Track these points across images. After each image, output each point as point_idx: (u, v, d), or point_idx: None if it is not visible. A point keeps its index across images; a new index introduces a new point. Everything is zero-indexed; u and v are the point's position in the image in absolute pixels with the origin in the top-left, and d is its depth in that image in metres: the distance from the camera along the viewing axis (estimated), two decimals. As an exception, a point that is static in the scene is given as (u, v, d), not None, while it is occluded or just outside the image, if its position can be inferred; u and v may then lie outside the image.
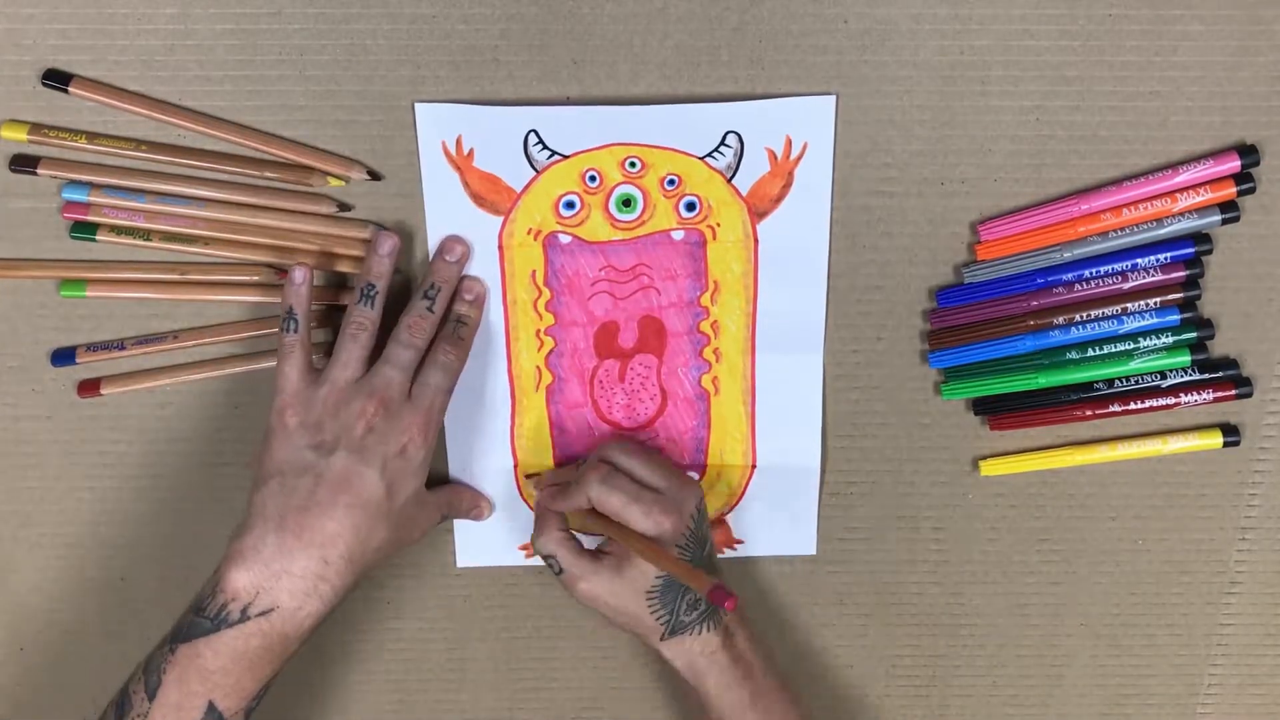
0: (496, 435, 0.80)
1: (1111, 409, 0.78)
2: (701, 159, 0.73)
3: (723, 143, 0.73)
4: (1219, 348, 0.77)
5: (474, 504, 0.80)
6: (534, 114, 0.72)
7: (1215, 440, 0.79)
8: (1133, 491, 0.81)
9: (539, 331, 0.77)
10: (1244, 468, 0.80)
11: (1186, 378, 0.77)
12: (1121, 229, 0.74)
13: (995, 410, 0.79)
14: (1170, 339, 0.76)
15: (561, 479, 0.77)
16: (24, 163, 0.73)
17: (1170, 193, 0.73)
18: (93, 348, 0.77)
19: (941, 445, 0.80)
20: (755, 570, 0.83)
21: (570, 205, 0.74)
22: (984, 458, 0.80)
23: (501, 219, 0.74)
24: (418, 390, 0.72)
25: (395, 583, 0.83)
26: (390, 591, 0.84)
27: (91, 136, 0.73)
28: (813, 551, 0.82)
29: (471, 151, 0.73)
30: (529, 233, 0.75)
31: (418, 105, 0.72)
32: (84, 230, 0.74)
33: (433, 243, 0.75)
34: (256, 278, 0.76)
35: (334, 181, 0.74)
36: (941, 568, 0.83)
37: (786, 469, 0.80)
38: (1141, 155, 0.74)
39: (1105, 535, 0.82)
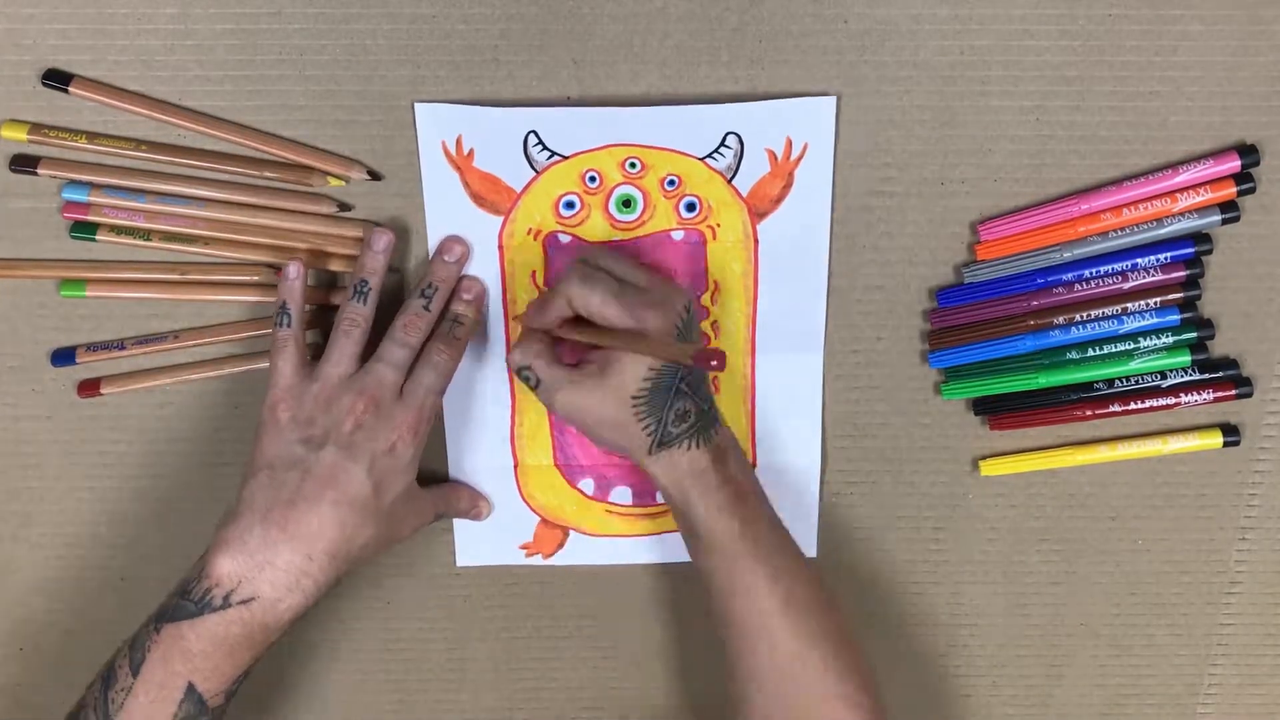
0: (496, 434, 0.80)
1: (1111, 409, 0.78)
2: (701, 160, 0.73)
3: (723, 143, 0.73)
4: (1219, 348, 0.77)
5: (473, 504, 0.80)
6: (534, 114, 0.72)
7: (1215, 440, 0.79)
8: (1133, 491, 0.81)
9: (539, 331, 0.77)
10: (1244, 468, 0.80)
11: (1186, 378, 0.77)
12: (1121, 229, 0.74)
13: (995, 410, 0.79)
14: (1170, 339, 0.76)
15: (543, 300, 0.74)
16: (24, 163, 0.73)
17: (1170, 193, 0.73)
18: (93, 348, 0.77)
19: (941, 445, 0.80)
20: (755, 570, 0.83)
21: (570, 205, 0.74)
22: (984, 458, 0.80)
23: (501, 219, 0.74)
24: (410, 389, 0.72)
25: (395, 583, 0.83)
26: (390, 591, 0.84)
27: (91, 136, 0.73)
28: (813, 553, 0.82)
29: (471, 152, 0.73)
30: (529, 233, 0.75)
31: (418, 105, 0.72)
32: (84, 230, 0.74)
33: (433, 243, 0.75)
34: (256, 278, 0.76)
35: (334, 181, 0.74)
36: (941, 568, 0.83)
37: (786, 469, 0.80)
38: (1141, 155, 0.74)
39: (1105, 535, 0.82)
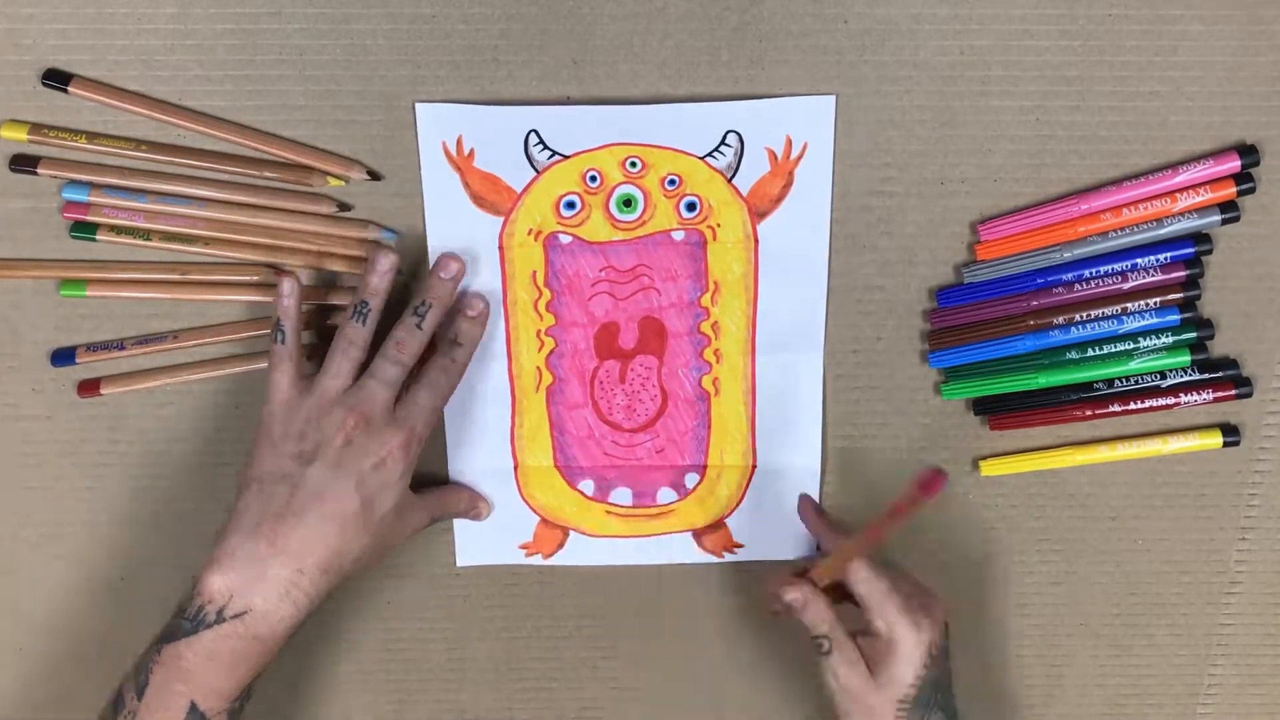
0: (496, 436, 0.80)
1: (1111, 409, 0.78)
2: (702, 159, 0.73)
3: (723, 142, 0.73)
4: (1219, 348, 0.77)
5: (472, 505, 0.80)
6: (534, 114, 0.72)
7: (1215, 440, 0.79)
8: (1133, 491, 0.81)
9: (539, 332, 0.77)
10: (1244, 468, 0.80)
11: (1186, 378, 0.77)
12: (1121, 229, 0.74)
13: (995, 410, 0.79)
14: (1170, 339, 0.76)
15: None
16: (24, 162, 0.73)
17: (1170, 193, 0.73)
18: (93, 348, 0.77)
19: (941, 445, 0.80)
20: (756, 571, 0.83)
21: (571, 205, 0.74)
22: (984, 458, 0.80)
23: (502, 219, 0.74)
24: (403, 408, 0.72)
25: (395, 583, 0.83)
26: (390, 591, 0.84)
27: (91, 136, 0.73)
28: (814, 552, 0.82)
29: (472, 152, 0.73)
30: (529, 233, 0.75)
31: (418, 105, 0.72)
32: (84, 230, 0.74)
33: (433, 243, 0.75)
34: (256, 278, 0.76)
35: (334, 181, 0.74)
36: (941, 568, 0.83)
37: (787, 469, 0.80)
38: (1141, 155, 0.74)
39: (1105, 535, 0.82)
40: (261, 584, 0.68)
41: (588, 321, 0.77)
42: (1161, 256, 0.75)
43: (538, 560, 0.83)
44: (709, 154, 0.73)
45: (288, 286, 0.71)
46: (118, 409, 0.79)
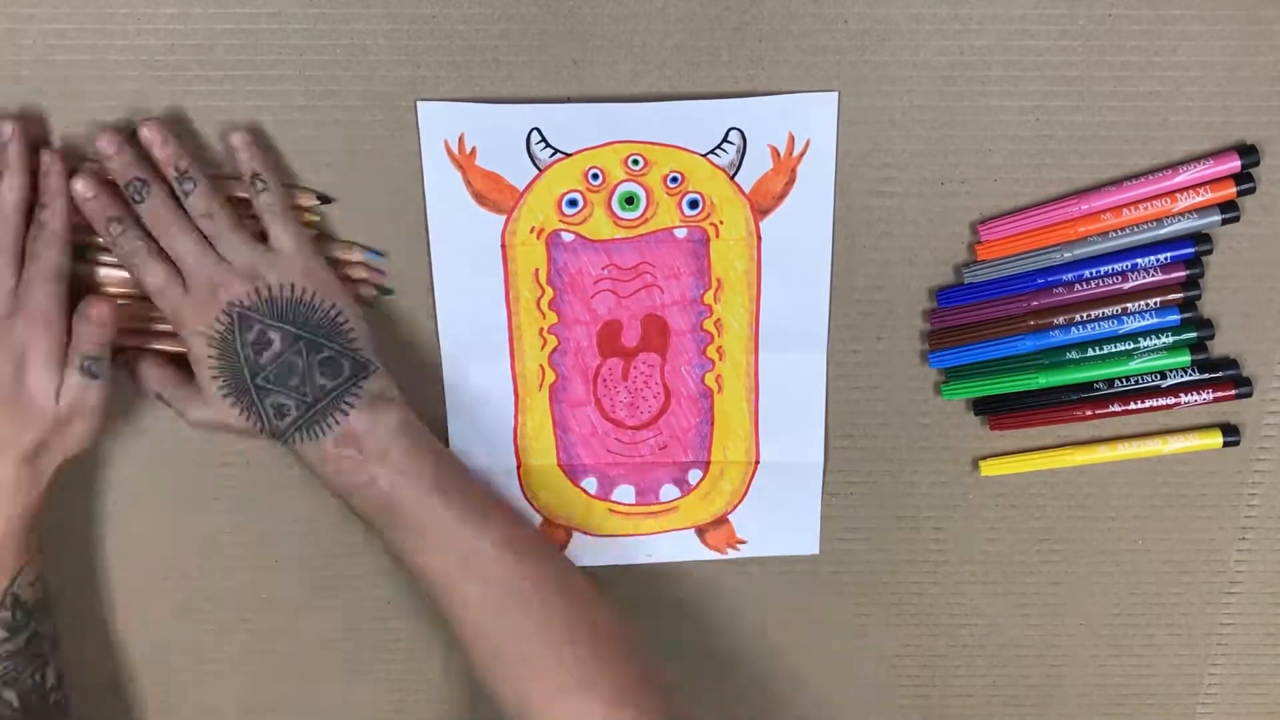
0: (499, 434, 0.80)
1: (1111, 409, 0.78)
2: (704, 156, 0.73)
3: (725, 140, 0.73)
4: (1219, 348, 0.77)
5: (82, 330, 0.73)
6: (536, 112, 0.72)
7: (1215, 440, 0.79)
8: (1133, 491, 0.81)
9: (542, 330, 0.77)
10: (1244, 468, 0.81)
11: (1186, 378, 0.77)
12: (1121, 229, 0.74)
13: (995, 410, 0.79)
14: (1170, 339, 0.76)
15: None
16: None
17: (1170, 193, 0.73)
18: None
19: (941, 445, 0.80)
20: (756, 570, 0.83)
21: (573, 203, 0.74)
22: (984, 458, 0.80)
23: (504, 218, 0.74)
24: (23, 290, 0.70)
25: (395, 583, 0.83)
26: (390, 591, 0.84)
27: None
28: (815, 551, 0.82)
29: (474, 150, 0.73)
30: (532, 231, 0.75)
31: (420, 104, 0.72)
32: None
33: (435, 242, 0.75)
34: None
35: (309, 217, 0.74)
36: (941, 568, 0.83)
37: (790, 465, 0.80)
38: (1141, 155, 0.74)
39: (1105, 535, 0.82)
40: None
41: (590, 319, 0.77)
42: (1161, 256, 0.75)
43: (538, 561, 0.83)
44: (711, 151, 0.73)
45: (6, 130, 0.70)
46: (118, 408, 0.78)
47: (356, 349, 0.72)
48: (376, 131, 0.73)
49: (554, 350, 0.78)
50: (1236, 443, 0.79)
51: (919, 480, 0.81)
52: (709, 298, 0.76)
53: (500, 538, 0.72)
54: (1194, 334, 0.76)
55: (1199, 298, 0.76)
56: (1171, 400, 0.77)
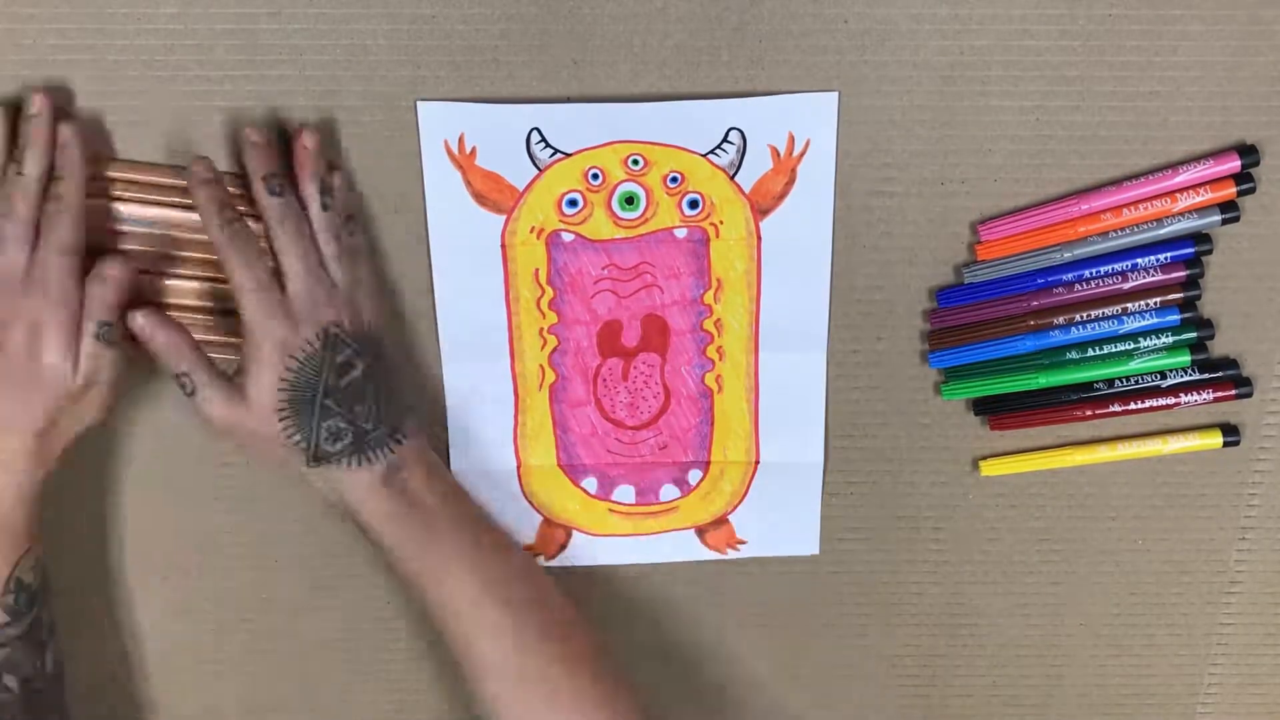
0: (499, 434, 0.80)
1: (1112, 409, 0.78)
2: (704, 156, 0.73)
3: (725, 139, 0.73)
4: (1219, 348, 0.77)
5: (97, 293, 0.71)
6: (536, 112, 0.72)
7: (1215, 440, 0.79)
8: (1133, 491, 0.81)
9: (542, 330, 0.77)
10: (1244, 468, 0.81)
11: (1186, 378, 0.77)
12: (1121, 229, 0.74)
13: (995, 410, 0.79)
14: (1170, 339, 0.76)
15: None
16: None
17: (1170, 193, 0.73)
18: None
19: (941, 445, 0.80)
20: (756, 570, 0.83)
21: (573, 203, 0.74)
22: (984, 458, 0.80)
23: (504, 218, 0.74)
24: (36, 268, 0.69)
25: (395, 583, 0.83)
26: (390, 592, 0.84)
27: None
28: (815, 551, 0.82)
29: (474, 150, 0.73)
30: (532, 231, 0.75)
31: (420, 104, 0.72)
32: None
33: (435, 242, 0.75)
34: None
35: None
36: (941, 568, 0.83)
37: (790, 465, 0.80)
38: (1141, 155, 0.74)
39: (1105, 535, 0.82)
40: None
41: (590, 319, 0.77)
42: (1161, 256, 0.75)
43: (540, 562, 0.82)
44: (711, 151, 0.73)
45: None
46: (117, 409, 0.78)
47: (404, 390, 0.75)
48: (376, 131, 0.73)
49: (554, 350, 0.78)
50: (1236, 443, 0.79)
51: (919, 480, 0.81)
52: (709, 298, 0.76)
53: (520, 563, 0.76)
54: (1194, 334, 0.76)
55: (1199, 298, 0.76)
56: (1171, 400, 0.77)
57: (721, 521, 0.82)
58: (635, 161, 0.73)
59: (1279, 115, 0.73)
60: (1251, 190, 0.73)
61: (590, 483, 0.81)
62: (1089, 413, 0.78)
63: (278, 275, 0.70)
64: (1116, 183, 0.74)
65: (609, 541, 0.82)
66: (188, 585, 0.83)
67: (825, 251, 0.75)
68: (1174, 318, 0.76)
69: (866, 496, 0.82)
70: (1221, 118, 0.73)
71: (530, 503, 0.81)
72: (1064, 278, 0.75)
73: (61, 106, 0.71)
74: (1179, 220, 0.74)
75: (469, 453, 0.80)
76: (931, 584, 0.84)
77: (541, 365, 0.78)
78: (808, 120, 0.72)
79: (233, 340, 0.76)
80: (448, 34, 0.71)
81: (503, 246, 0.75)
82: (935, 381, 0.79)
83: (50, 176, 0.69)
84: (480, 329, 0.77)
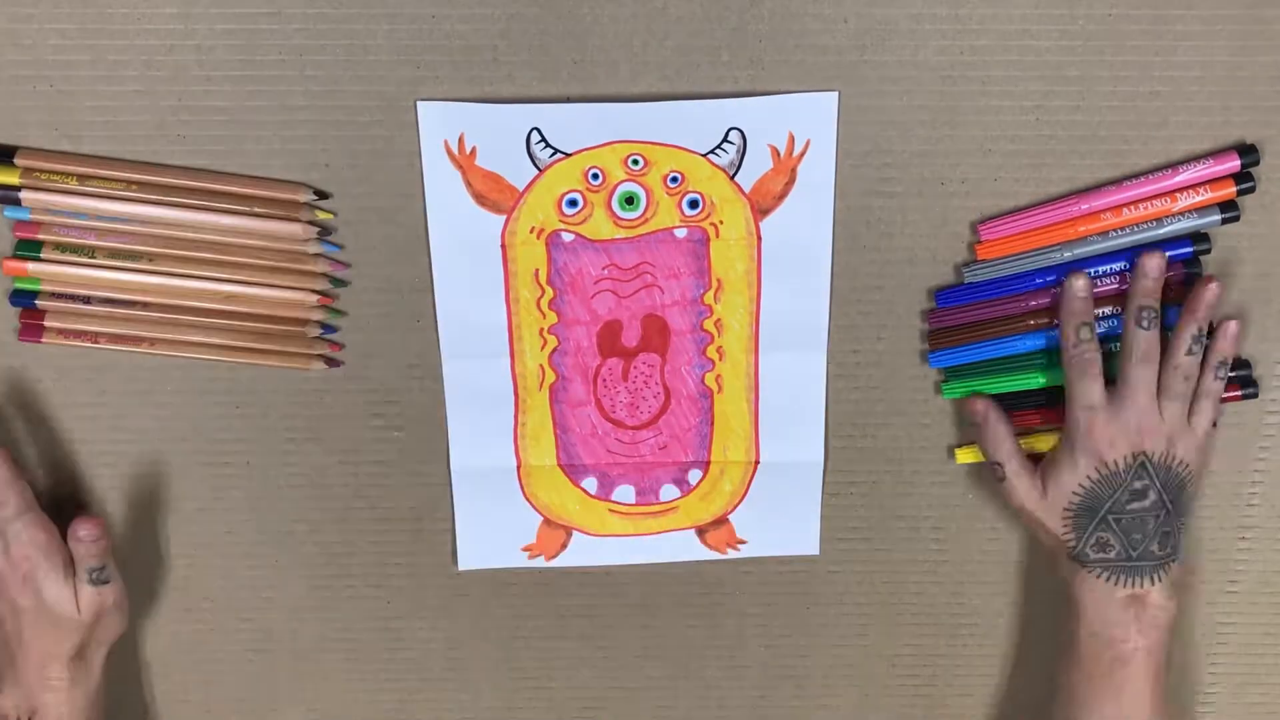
0: (499, 434, 0.80)
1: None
2: (704, 156, 0.73)
3: (725, 139, 0.73)
4: (1218, 347, 0.77)
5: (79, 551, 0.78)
6: (536, 112, 0.72)
7: None
8: (1133, 491, 0.81)
9: (542, 330, 0.77)
10: (1244, 467, 0.80)
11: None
12: (1121, 229, 0.74)
13: (995, 410, 0.79)
14: (1170, 339, 0.76)
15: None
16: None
17: (1170, 192, 0.73)
18: (58, 296, 0.76)
19: (941, 445, 0.80)
20: (756, 570, 0.83)
21: (573, 203, 0.74)
22: (958, 445, 0.80)
23: (504, 218, 0.74)
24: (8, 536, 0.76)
25: (395, 583, 0.83)
26: (390, 591, 0.84)
27: (83, 179, 0.73)
28: (816, 551, 0.82)
29: (474, 150, 0.73)
30: (532, 231, 0.75)
31: (420, 104, 0.72)
32: (29, 248, 0.74)
33: (435, 243, 0.75)
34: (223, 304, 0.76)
35: (323, 214, 0.74)
36: (941, 568, 0.83)
37: (790, 465, 0.80)
38: (1141, 155, 0.74)
39: (1105, 535, 0.82)
40: (27, 688, 0.78)
41: (590, 319, 0.77)
42: (1161, 257, 0.75)
43: (540, 563, 0.83)
44: (711, 151, 0.73)
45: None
46: (117, 408, 0.79)
47: (1182, 533, 0.76)
48: (376, 131, 0.73)
49: (554, 350, 0.78)
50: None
51: (919, 480, 0.81)
52: (709, 298, 0.76)
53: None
54: (1194, 334, 0.76)
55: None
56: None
57: (721, 521, 0.82)
58: (635, 161, 0.73)
59: (1279, 115, 0.73)
60: (1251, 190, 0.73)
61: (590, 483, 0.81)
62: (1089, 413, 0.78)
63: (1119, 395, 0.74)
64: (1116, 182, 0.74)
65: (609, 541, 0.82)
66: (188, 586, 0.83)
67: (825, 251, 0.75)
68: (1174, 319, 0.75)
69: (866, 496, 0.82)
70: (1221, 118, 0.73)
71: (530, 503, 0.81)
72: (1064, 278, 0.75)
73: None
74: (1179, 220, 0.74)
75: (469, 453, 0.80)
76: (931, 584, 0.84)
77: (541, 365, 0.78)
78: (808, 120, 0.72)
79: (234, 342, 0.76)
80: (448, 34, 0.71)
81: (503, 246, 0.75)
82: (935, 381, 0.79)
83: None
84: (480, 329, 0.77)
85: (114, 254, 0.74)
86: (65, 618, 0.76)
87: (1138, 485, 0.74)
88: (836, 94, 0.72)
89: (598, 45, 0.71)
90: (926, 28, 0.71)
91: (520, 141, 0.73)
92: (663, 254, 0.75)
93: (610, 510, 0.82)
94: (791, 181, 0.74)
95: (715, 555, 0.83)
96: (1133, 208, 0.74)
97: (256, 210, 0.73)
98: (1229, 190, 0.73)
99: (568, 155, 0.73)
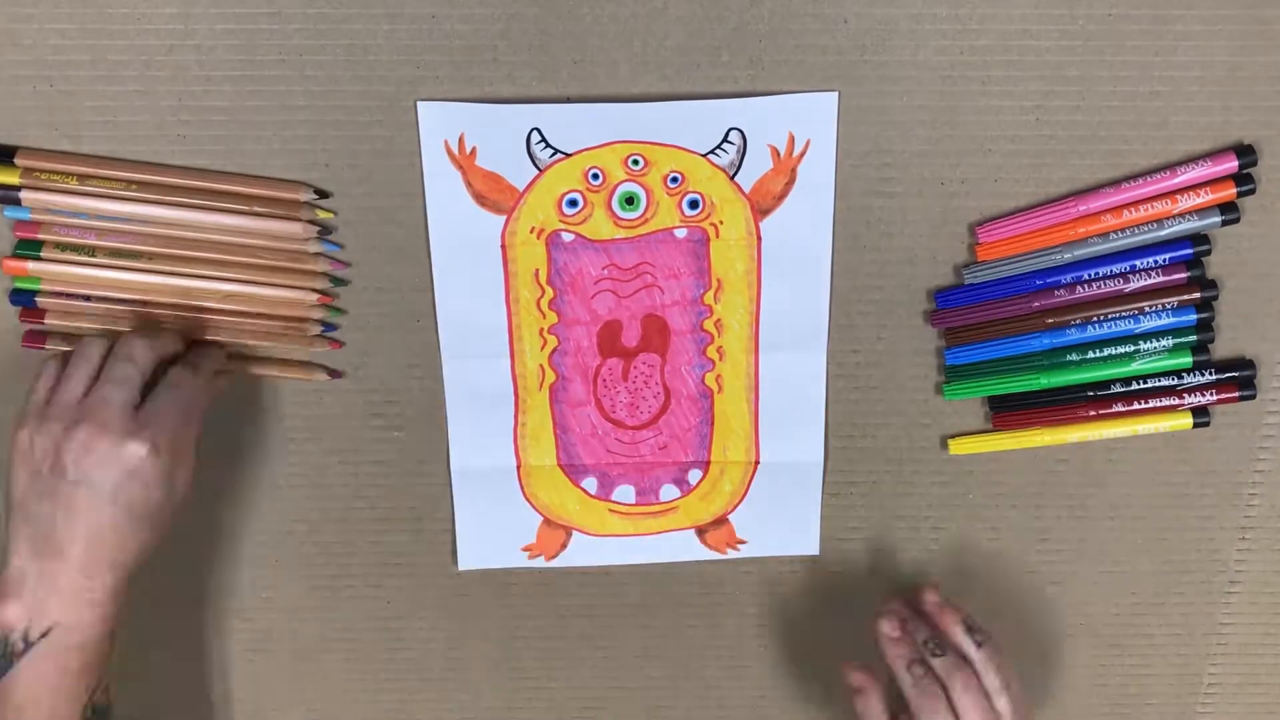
0: (499, 434, 0.80)
1: (1115, 409, 0.78)
2: (704, 156, 0.73)
3: (725, 140, 0.73)
4: (1218, 348, 0.77)
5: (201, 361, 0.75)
6: (537, 112, 0.72)
7: (1186, 422, 0.78)
8: (1133, 491, 0.81)
9: (542, 330, 0.77)
10: (1244, 468, 0.80)
11: (1188, 379, 0.77)
12: (1121, 230, 0.74)
13: (998, 410, 0.79)
14: (1171, 341, 0.76)
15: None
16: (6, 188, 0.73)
17: (1170, 193, 0.73)
18: (59, 295, 0.76)
19: (941, 445, 0.80)
20: (756, 570, 0.83)
21: (573, 203, 0.74)
22: (952, 436, 0.80)
23: (504, 218, 0.74)
24: (146, 411, 0.69)
25: (395, 583, 0.83)
26: (390, 591, 0.84)
27: (83, 178, 0.73)
28: (816, 551, 0.82)
29: (474, 150, 0.73)
30: (532, 231, 0.75)
31: (420, 104, 0.72)
32: (29, 248, 0.74)
33: (435, 243, 0.75)
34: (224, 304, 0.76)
35: (323, 213, 0.74)
36: (942, 568, 0.83)
37: (790, 465, 0.80)
38: (1141, 155, 0.74)
39: (1105, 535, 0.82)
40: (55, 598, 0.67)
41: (590, 319, 0.77)
42: (1160, 258, 0.75)
43: (540, 563, 0.83)
44: (711, 151, 0.73)
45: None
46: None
47: None
48: (376, 131, 0.73)
49: (554, 350, 0.78)
50: (1206, 424, 0.78)
51: (919, 480, 0.81)
52: (709, 298, 0.76)
53: None
54: (1194, 335, 0.76)
55: (1216, 297, 0.76)
56: (1175, 401, 0.77)
57: (721, 521, 0.82)
58: (635, 161, 0.73)
59: (1278, 115, 0.73)
60: (1251, 191, 0.73)
61: (590, 483, 0.81)
62: (1092, 413, 0.78)
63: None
64: (1116, 183, 0.74)
65: (609, 541, 0.82)
66: (188, 586, 0.83)
67: (825, 251, 0.75)
68: (1190, 317, 0.75)
69: (866, 496, 0.82)
70: (1221, 118, 0.73)
71: (530, 503, 0.81)
72: (1064, 279, 0.75)
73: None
74: (1179, 221, 0.74)
75: (469, 453, 0.80)
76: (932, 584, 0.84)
77: (541, 365, 0.78)
78: (808, 120, 0.72)
79: (235, 341, 0.76)
80: (448, 34, 0.71)
81: (503, 247, 0.75)
82: (935, 382, 0.79)
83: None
84: (480, 329, 0.77)
85: (114, 253, 0.74)
86: (155, 500, 0.69)
87: None
88: (836, 94, 0.72)
89: (598, 45, 0.71)
90: (926, 28, 0.71)
91: (520, 141, 0.73)
92: (663, 254, 0.75)
93: (610, 510, 0.82)
94: (791, 181, 0.74)
95: (715, 555, 0.83)
96: (1133, 209, 0.74)
97: (257, 210, 0.74)
98: (1229, 192, 0.73)
99: (568, 155, 0.73)
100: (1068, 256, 0.75)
